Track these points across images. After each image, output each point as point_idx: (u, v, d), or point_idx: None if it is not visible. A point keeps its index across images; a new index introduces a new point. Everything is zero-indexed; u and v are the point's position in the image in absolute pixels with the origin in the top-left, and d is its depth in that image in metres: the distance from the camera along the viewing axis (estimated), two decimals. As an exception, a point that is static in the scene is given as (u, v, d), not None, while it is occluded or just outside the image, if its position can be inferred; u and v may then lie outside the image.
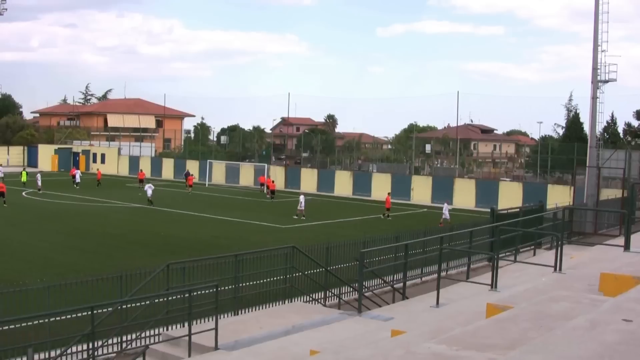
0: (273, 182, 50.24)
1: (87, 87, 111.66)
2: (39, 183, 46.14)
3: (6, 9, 63.88)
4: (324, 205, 44.90)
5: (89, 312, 10.45)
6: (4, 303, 11.84)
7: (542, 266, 13.59)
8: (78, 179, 51.37)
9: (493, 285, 12.54)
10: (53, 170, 69.22)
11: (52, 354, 11.42)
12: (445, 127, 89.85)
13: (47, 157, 71.63)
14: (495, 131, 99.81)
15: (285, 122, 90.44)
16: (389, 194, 41.88)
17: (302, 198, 37.65)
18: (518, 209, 25.87)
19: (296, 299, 15.55)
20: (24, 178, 48.63)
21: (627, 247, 12.64)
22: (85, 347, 11.38)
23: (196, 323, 11.84)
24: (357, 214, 39.52)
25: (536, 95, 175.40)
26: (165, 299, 13.00)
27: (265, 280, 15.77)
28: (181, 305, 12.72)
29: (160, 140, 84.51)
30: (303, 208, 36.74)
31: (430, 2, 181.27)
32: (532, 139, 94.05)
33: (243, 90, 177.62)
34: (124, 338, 12.63)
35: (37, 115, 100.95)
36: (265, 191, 49.97)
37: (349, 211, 40.66)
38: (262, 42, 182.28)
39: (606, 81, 30.69)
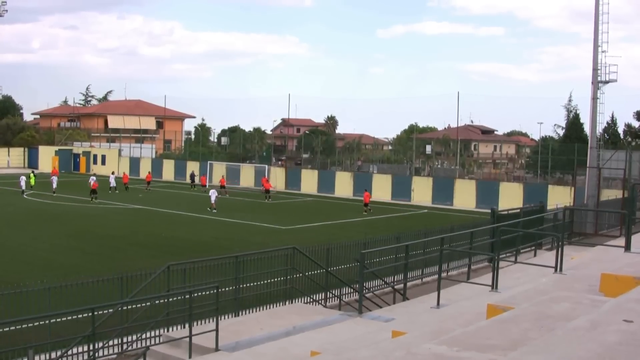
0: (267, 181, 50.62)
1: (87, 89, 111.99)
2: (54, 185, 46.28)
3: (7, 11, 64.17)
4: (324, 206, 44.89)
5: (90, 314, 10.44)
6: (4, 304, 11.84)
7: (542, 267, 13.59)
8: (113, 183, 49.45)
9: (494, 286, 12.53)
10: (53, 171, 69.24)
11: (53, 355, 11.42)
12: (445, 128, 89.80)
13: (47, 158, 71.63)
14: (495, 132, 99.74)
15: (285, 123, 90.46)
16: (366, 190, 43.97)
17: (212, 192, 40.01)
18: (518, 210, 25.86)
19: (297, 300, 15.55)
20: (32, 181, 48.56)
21: (627, 247, 12.64)
22: (85, 348, 11.38)
23: (197, 324, 11.85)
24: (358, 215, 39.50)
25: (536, 96, 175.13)
26: (165, 300, 13.00)
27: (265, 282, 15.78)
28: (182, 306, 12.72)
29: (160, 142, 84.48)
30: (214, 201, 39.07)
31: (430, 3, 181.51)
32: (532, 139, 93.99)
33: (243, 92, 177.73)
34: (125, 339, 12.63)
35: (38, 116, 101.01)
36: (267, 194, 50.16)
37: (350, 212, 40.65)
38: (263, 43, 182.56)
39: (606, 82, 30.66)
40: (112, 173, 52.87)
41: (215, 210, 38.38)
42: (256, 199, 47.89)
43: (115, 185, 49.31)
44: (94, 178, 46.44)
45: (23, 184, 45.67)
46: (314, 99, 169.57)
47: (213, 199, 39.42)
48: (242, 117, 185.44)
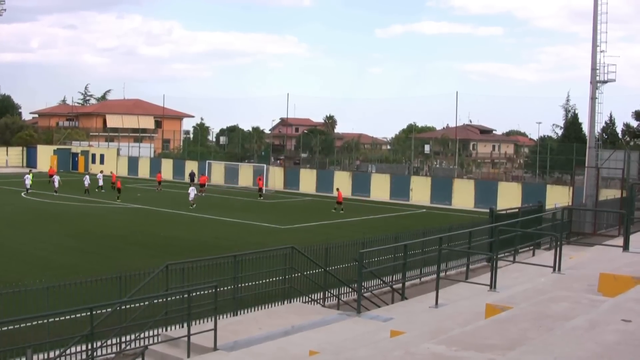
0: (259, 180, 51.26)
1: (86, 88, 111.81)
2: (56, 185, 46.22)
3: (5, 10, 64.12)
4: (323, 206, 44.87)
5: (88, 313, 10.44)
6: (3, 304, 11.83)
7: (541, 266, 13.60)
8: (101, 182, 49.36)
9: (492, 285, 12.54)
10: (52, 171, 69.09)
11: (51, 354, 11.41)
12: (444, 128, 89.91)
13: (46, 157, 71.48)
14: (494, 131, 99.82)
15: (284, 122, 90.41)
16: (338, 189, 44.24)
17: (191, 189, 41.38)
18: (517, 210, 25.87)
19: (295, 300, 15.54)
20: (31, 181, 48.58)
21: (626, 247, 12.66)
22: (84, 347, 11.38)
23: (195, 324, 11.84)
24: (356, 215, 39.50)
25: (535, 96, 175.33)
26: (164, 299, 12.99)
27: (264, 281, 15.78)
28: (180, 305, 12.72)
29: (159, 141, 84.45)
30: (192, 198, 40.42)
31: (428, 3, 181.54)
32: (531, 139, 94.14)
33: (242, 91, 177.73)
34: (123, 339, 12.64)
35: (36, 115, 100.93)
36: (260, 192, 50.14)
37: (348, 212, 40.64)
38: (262, 43, 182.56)
39: (605, 82, 30.67)
40: (101, 172, 53.05)
41: (193, 206, 39.40)
42: (254, 199, 47.93)
43: (102, 184, 49.42)
44: (89, 177, 47.15)
45: (28, 182, 45.75)
46: (313, 99, 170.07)
47: (192, 196, 40.42)
48: (240, 117, 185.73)
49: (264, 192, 50.66)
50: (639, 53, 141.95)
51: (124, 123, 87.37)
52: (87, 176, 48.67)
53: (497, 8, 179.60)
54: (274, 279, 15.59)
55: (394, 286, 16.30)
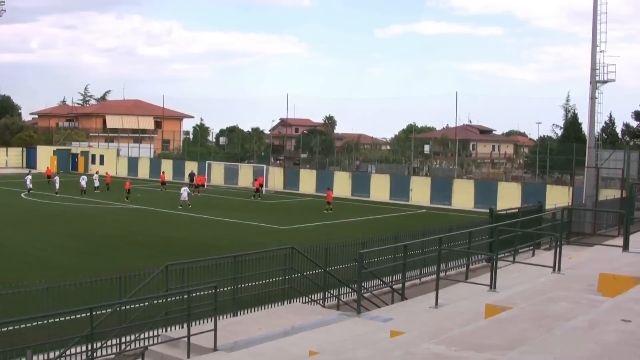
0: (256, 180, 51.47)
1: (86, 89, 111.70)
2: (57, 186, 46.16)
3: (5, 10, 64.14)
4: (322, 206, 44.88)
5: (88, 314, 10.44)
6: (3, 304, 11.83)
7: (541, 267, 13.60)
8: (97, 183, 49.45)
9: (492, 285, 12.54)
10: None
11: (51, 355, 11.42)
12: (444, 128, 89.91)
13: (45, 158, 71.46)
14: (494, 132, 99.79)
15: (284, 123, 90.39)
16: (329, 188, 44.02)
17: (183, 189, 40.86)
18: (517, 210, 25.87)
19: (295, 300, 15.54)
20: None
21: (625, 247, 12.67)
22: (84, 348, 11.37)
23: (195, 324, 11.84)
24: (356, 215, 39.51)
25: (535, 96, 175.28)
26: (164, 300, 12.99)
27: (264, 282, 15.78)
28: (180, 306, 12.72)
29: (159, 142, 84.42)
30: (186, 199, 39.87)
31: (428, 3, 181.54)
32: (530, 139, 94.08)
33: (242, 91, 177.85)
34: (123, 339, 12.63)
35: (36, 116, 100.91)
36: (256, 193, 49.83)
37: (348, 212, 40.66)
38: (262, 43, 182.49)
39: (605, 82, 30.69)
40: (97, 172, 53.16)
41: (181, 207, 39.03)
42: (254, 199, 47.91)
43: (99, 184, 49.46)
44: (85, 178, 47.37)
45: (29, 183, 45.84)
46: (313, 99, 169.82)
47: (184, 196, 39.89)
48: (240, 117, 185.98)
49: (263, 192, 50.68)
50: (639, 53, 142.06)
51: (124, 123, 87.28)
52: (85, 177, 48.87)
53: (497, 8, 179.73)
54: (274, 279, 15.60)
55: (394, 286, 16.30)
